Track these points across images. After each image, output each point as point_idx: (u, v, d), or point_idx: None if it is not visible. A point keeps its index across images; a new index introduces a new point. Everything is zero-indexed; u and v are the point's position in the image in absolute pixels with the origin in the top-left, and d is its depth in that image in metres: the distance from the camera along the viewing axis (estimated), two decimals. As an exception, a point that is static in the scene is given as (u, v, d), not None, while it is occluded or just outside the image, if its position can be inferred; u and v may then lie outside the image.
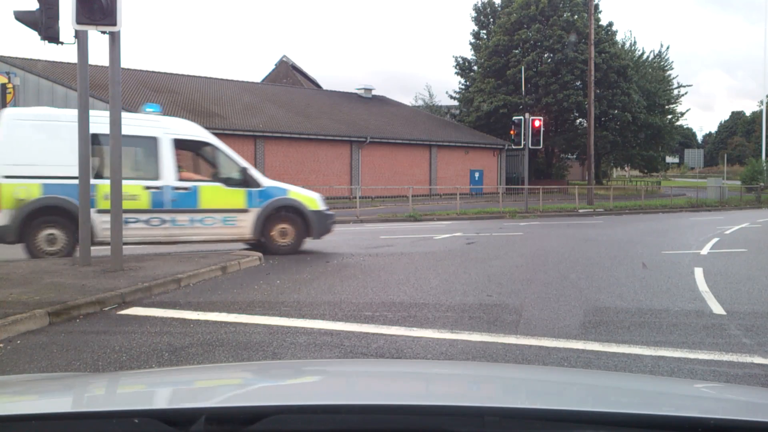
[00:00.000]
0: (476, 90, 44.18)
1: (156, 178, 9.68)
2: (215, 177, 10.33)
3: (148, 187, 9.60)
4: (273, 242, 10.27)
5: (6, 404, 1.55)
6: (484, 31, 48.16)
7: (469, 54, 49.23)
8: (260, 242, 10.34)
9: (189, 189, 9.83)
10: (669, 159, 60.73)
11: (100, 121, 8.80)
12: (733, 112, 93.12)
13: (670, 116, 48.44)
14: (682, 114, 53.06)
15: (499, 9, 46.30)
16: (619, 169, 61.13)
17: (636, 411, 1.47)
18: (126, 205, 8.76)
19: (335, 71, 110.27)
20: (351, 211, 21.94)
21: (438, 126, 41.31)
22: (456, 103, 50.12)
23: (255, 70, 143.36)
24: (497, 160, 39.42)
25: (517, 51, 43.02)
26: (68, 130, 8.95)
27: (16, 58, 26.04)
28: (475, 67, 47.33)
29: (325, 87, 48.35)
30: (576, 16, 42.11)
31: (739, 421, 1.41)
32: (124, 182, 8.87)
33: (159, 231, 9.67)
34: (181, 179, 9.83)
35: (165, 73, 35.64)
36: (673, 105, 49.04)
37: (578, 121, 45.57)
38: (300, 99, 37.73)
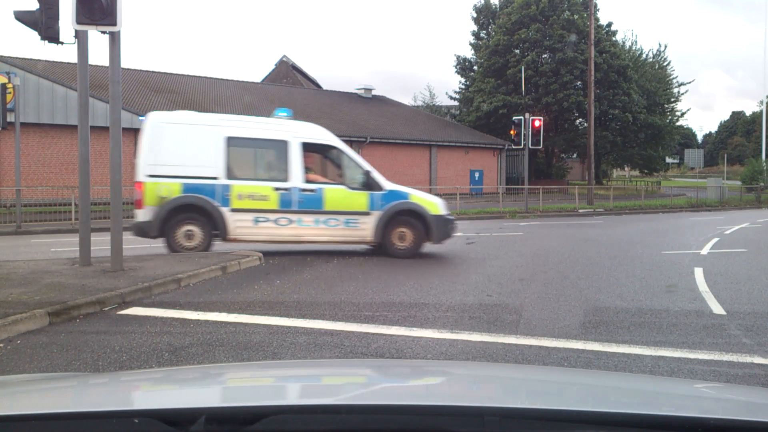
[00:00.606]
0: (476, 90, 44.17)
1: (285, 179, 9.99)
2: (339, 180, 10.50)
3: (277, 189, 9.93)
4: (392, 245, 10.25)
5: (6, 404, 1.55)
6: (484, 31, 48.15)
7: (469, 54, 49.27)
8: (379, 245, 10.39)
9: (315, 191, 10.04)
10: (669, 159, 60.70)
11: (235, 125, 10.11)
12: (733, 112, 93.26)
13: (670, 116, 48.42)
14: (683, 113, 53.04)
15: (499, 9, 46.29)
16: (619, 169, 61.11)
17: (636, 411, 1.47)
18: (257, 204, 9.76)
19: (335, 71, 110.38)
20: (351, 211, 21.92)
21: (438, 126, 41.30)
22: (456, 103, 50.12)
23: (255, 70, 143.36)
24: (497, 160, 39.42)
25: (517, 51, 43.02)
26: (206, 132, 9.85)
27: (16, 58, 26.03)
28: (475, 67, 47.32)
29: (325, 87, 48.37)
30: (576, 16, 42.10)
31: (739, 421, 1.41)
32: (257, 183, 9.96)
33: (286, 230, 9.94)
34: (307, 181, 10.07)
35: (165, 73, 35.64)
36: (673, 104, 49.04)
37: (578, 121, 45.56)
38: (300, 99, 37.73)
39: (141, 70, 34.38)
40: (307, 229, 10.00)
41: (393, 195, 10.33)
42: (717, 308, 6.59)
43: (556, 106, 41.39)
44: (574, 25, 41.37)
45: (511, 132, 25.26)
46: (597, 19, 37.02)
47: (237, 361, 4.55)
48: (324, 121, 34.28)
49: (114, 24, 7.39)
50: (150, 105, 29.25)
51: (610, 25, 45.01)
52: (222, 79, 37.61)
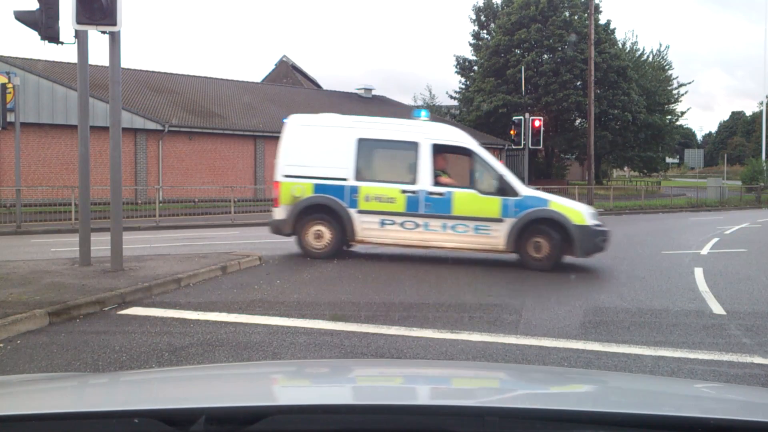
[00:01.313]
0: (476, 90, 44.17)
1: (413, 182, 9.70)
2: (470, 183, 10.02)
3: (404, 191, 9.65)
4: (527, 256, 9.35)
5: (6, 404, 1.55)
6: (484, 31, 48.15)
7: (469, 54, 49.23)
8: (514, 255, 9.63)
9: (443, 194, 9.62)
10: (669, 159, 60.65)
11: (367, 127, 10.14)
12: (733, 112, 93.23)
13: (669, 116, 48.40)
14: (682, 113, 53.01)
15: (499, 9, 46.29)
16: (618, 169, 61.06)
17: (636, 411, 1.47)
18: (383, 207, 9.61)
19: (335, 71, 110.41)
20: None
21: (438, 126, 41.21)
22: (456, 103, 50.12)
23: (255, 70, 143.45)
24: (497, 159, 39.40)
25: (517, 51, 43.01)
26: (339, 134, 9.91)
27: (16, 58, 26.01)
28: (476, 67, 47.32)
29: (325, 87, 48.34)
30: (575, 16, 42.11)
31: (739, 421, 1.40)
32: (384, 185, 9.75)
33: (412, 234, 9.66)
34: (436, 184, 9.70)
35: (165, 73, 35.61)
36: (673, 105, 49.03)
37: (578, 121, 45.54)
38: (300, 99, 37.71)
39: (141, 70, 34.33)
40: (434, 234, 9.60)
41: (530, 201, 9.51)
42: (717, 308, 6.59)
43: (555, 105, 41.38)
44: (573, 26, 41.37)
45: (511, 132, 25.25)
46: (597, 19, 37.01)
47: (237, 361, 4.55)
48: (324, 121, 34.39)
49: (114, 24, 7.39)
50: (150, 105, 29.26)
51: (608, 24, 45.03)
52: (222, 79, 37.58)
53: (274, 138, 30.31)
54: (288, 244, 10.58)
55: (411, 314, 6.20)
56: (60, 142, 24.69)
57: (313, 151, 9.89)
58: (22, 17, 7.73)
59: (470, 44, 49.11)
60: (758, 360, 4.79)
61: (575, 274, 8.91)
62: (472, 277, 8.77)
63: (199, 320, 5.77)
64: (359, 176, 9.77)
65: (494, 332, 5.55)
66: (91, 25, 7.41)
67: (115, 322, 5.78)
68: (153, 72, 34.86)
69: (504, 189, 9.55)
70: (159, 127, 27.42)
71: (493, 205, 9.49)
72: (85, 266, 7.99)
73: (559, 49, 41.38)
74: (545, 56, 42.72)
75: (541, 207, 9.48)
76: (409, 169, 9.88)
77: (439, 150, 9.92)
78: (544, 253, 9.29)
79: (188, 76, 36.43)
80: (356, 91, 42.11)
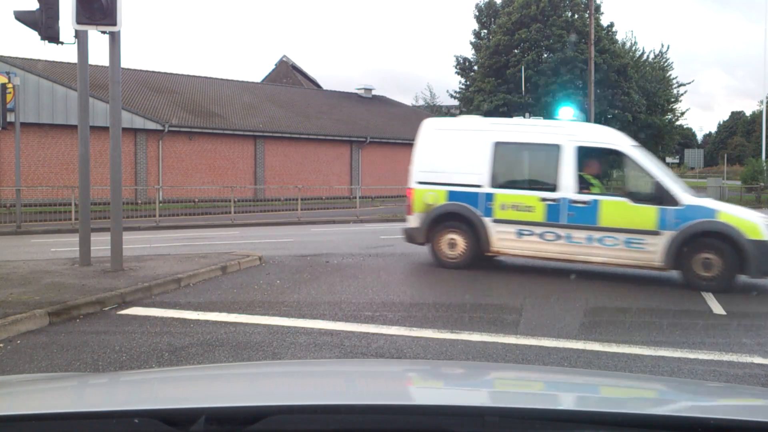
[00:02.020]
0: (476, 89, 44.18)
1: (554, 189, 8.84)
2: (621, 190, 9.24)
3: (543, 199, 8.84)
4: (692, 274, 8.01)
5: (6, 404, 1.55)
6: (485, 31, 48.17)
7: (469, 54, 49.24)
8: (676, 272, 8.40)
9: (588, 203, 8.64)
10: (669, 159, 60.68)
11: (505, 129, 9.44)
12: (732, 112, 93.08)
13: (669, 116, 48.42)
14: (682, 113, 52.94)
15: (500, 9, 46.31)
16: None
17: (636, 411, 1.47)
18: (520, 216, 8.86)
19: (335, 71, 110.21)
20: (351, 211, 21.96)
21: (438, 126, 41.20)
22: (456, 102, 50.12)
23: (255, 70, 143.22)
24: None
25: (517, 51, 43.03)
26: (474, 138, 9.32)
27: (16, 58, 26.01)
28: (476, 67, 47.34)
29: (325, 87, 48.31)
30: (576, 16, 42.13)
31: (739, 421, 1.40)
32: (522, 192, 8.98)
33: (552, 246, 8.79)
34: (580, 191, 8.78)
35: (165, 73, 35.59)
36: (674, 105, 49.03)
37: (578, 121, 45.55)
38: (300, 99, 37.71)
39: (141, 70, 34.31)
40: (578, 247, 8.63)
41: (693, 211, 8.21)
42: (717, 308, 6.60)
43: (555, 105, 41.38)
44: (573, 25, 41.39)
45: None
46: (597, 20, 37.03)
47: (237, 361, 4.55)
48: (325, 121, 34.43)
49: (114, 24, 7.39)
50: (150, 105, 29.27)
51: (611, 25, 45.03)
52: (222, 79, 37.56)
53: (274, 138, 30.63)
54: (288, 245, 10.60)
55: (411, 314, 6.20)
56: (60, 142, 24.70)
57: (447, 156, 9.44)
58: (22, 17, 7.73)
59: (471, 43, 49.12)
60: (758, 360, 4.79)
61: (575, 274, 8.90)
62: (471, 276, 8.77)
63: (199, 320, 5.77)
64: (495, 182, 9.14)
65: (494, 332, 5.55)
66: (91, 25, 7.41)
67: (115, 322, 5.78)
68: (153, 72, 34.85)
69: (661, 197, 8.33)
70: (159, 127, 27.42)
71: (648, 215, 8.33)
72: (85, 266, 7.99)
73: (560, 49, 41.40)
74: (545, 56, 42.75)
75: (708, 218, 8.16)
76: (549, 174, 9.04)
77: (584, 153, 8.97)
78: (716, 272, 7.95)
79: (188, 76, 36.42)
80: (356, 91, 42.11)
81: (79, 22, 7.34)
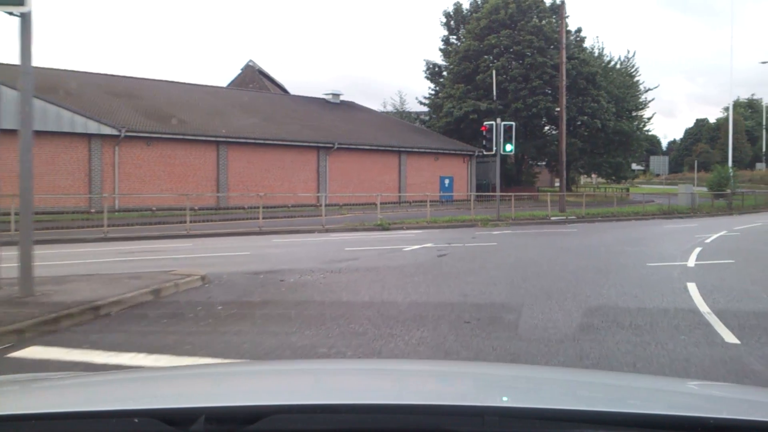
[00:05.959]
0: (446, 96, 43.55)
1: None
2: None
3: None
4: None
5: (6, 404, 1.53)
6: (454, 37, 47.62)
7: (439, 59, 48.59)
8: None
9: None
10: (635, 166, 61.03)
11: None
12: (697, 119, 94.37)
13: (636, 122, 48.47)
14: (648, 119, 53.18)
15: (469, 14, 45.84)
16: (585, 176, 61.16)
17: (636, 411, 1.46)
18: None
19: (303, 76, 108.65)
20: (317, 220, 20.86)
21: (408, 132, 40.47)
22: (426, 109, 49.43)
23: (220, 74, 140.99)
24: (467, 166, 38.68)
25: (487, 57, 42.56)
26: None
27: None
28: (445, 73, 46.76)
29: (292, 92, 47.24)
30: (544, 21, 41.82)
31: (739, 420, 1.40)
32: None
33: None
34: None
35: (126, 77, 34.15)
36: (641, 111, 49.15)
37: (547, 127, 45.31)
38: (266, 104, 36.56)
39: (99, 74, 32.95)
40: None
41: None
42: (728, 335, 5.71)
43: (525, 111, 40.94)
44: (542, 31, 41.08)
45: (483, 128, 24.47)
46: (566, 25, 36.70)
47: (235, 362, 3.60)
48: (292, 126, 33.25)
49: (21, 3, 6.23)
50: (111, 110, 27.79)
51: (579, 31, 44.93)
52: (185, 84, 36.26)
53: (238, 143, 29.36)
54: (243, 259, 9.42)
55: (375, 348, 5.18)
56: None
57: None
58: None
59: (440, 50, 48.55)
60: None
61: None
62: (446, 297, 7.79)
63: (107, 364, 4.60)
64: None
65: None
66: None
67: (1, 368, 4.59)
68: (112, 76, 33.48)
69: None
70: (115, 132, 26.06)
71: None
72: (-8, 290, 6.77)
73: (529, 54, 41.02)
74: (515, 62, 42.34)
75: None
76: None
77: None
78: None
79: (150, 80, 34.94)
80: (324, 96, 41.10)
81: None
